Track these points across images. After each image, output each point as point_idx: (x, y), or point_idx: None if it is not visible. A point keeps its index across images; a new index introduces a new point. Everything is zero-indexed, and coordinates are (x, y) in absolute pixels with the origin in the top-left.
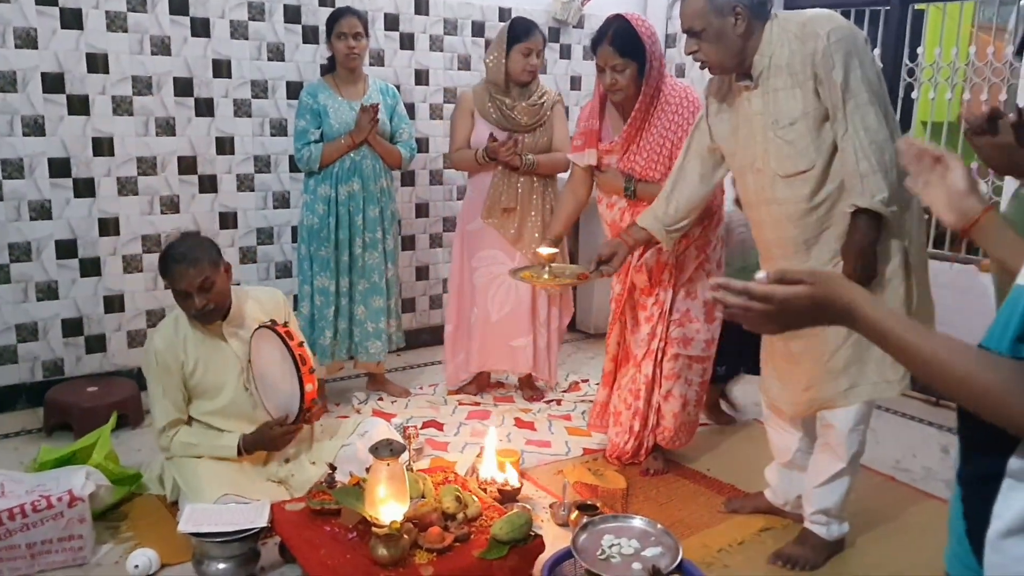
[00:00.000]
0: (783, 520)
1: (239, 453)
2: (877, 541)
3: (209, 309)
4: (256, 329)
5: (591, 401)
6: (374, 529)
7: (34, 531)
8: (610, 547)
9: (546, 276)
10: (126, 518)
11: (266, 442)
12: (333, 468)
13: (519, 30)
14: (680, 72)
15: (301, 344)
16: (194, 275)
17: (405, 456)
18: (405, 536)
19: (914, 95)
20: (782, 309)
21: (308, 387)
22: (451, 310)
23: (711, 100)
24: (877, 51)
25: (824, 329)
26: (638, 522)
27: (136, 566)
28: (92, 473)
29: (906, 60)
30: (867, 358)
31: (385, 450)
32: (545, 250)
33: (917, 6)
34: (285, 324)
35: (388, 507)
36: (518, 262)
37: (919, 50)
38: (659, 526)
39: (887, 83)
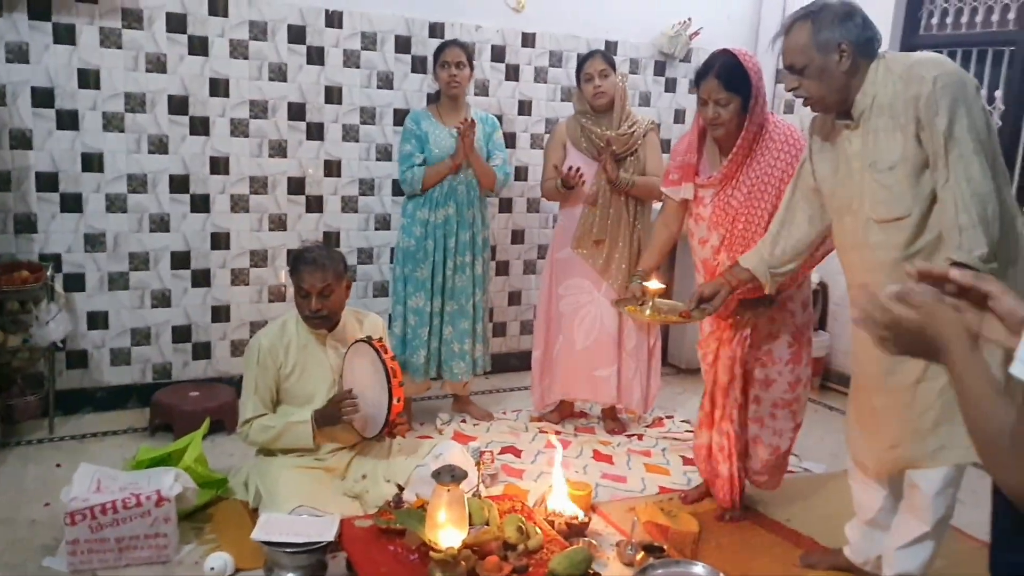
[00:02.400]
0: None
1: (312, 429)
2: None
3: (322, 315)
4: (352, 344)
5: (674, 438)
6: (432, 553)
7: (123, 526)
8: None
9: (648, 312)
10: (210, 520)
11: (330, 409)
12: (401, 488)
13: (582, 58)
14: (790, 108)
15: (393, 358)
16: (318, 279)
17: (473, 482)
18: (463, 563)
19: None
20: (894, 327)
21: (396, 400)
22: (539, 336)
23: (814, 138)
24: (999, 93)
25: (913, 387)
26: (700, 569)
27: (212, 568)
28: (181, 475)
29: None
30: (959, 419)
31: (447, 476)
32: (653, 285)
33: None
34: (380, 339)
35: (447, 532)
36: (604, 292)
37: None
38: (721, 574)
39: (1011, 125)
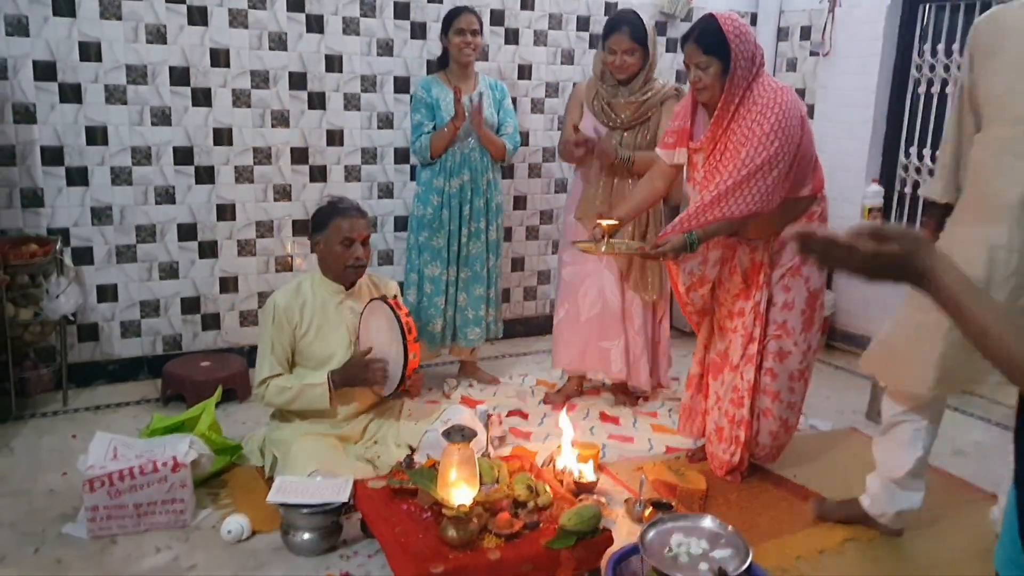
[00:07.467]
0: (869, 532)
1: (329, 390)
2: (930, 540)
3: (362, 264)
4: (367, 303)
5: (679, 399)
6: (444, 511)
7: (141, 492)
8: (678, 546)
9: (604, 248)
10: (225, 486)
11: (354, 371)
12: (413, 450)
13: (607, 27)
14: (792, 66)
15: (408, 315)
16: (363, 225)
17: (482, 442)
18: (475, 520)
19: None
20: (867, 261)
21: (412, 355)
22: (560, 297)
23: (980, 45)
24: None
25: None
26: (709, 523)
27: (229, 531)
28: (195, 442)
29: None
30: None
31: (457, 435)
32: (606, 221)
33: None
34: (395, 297)
35: (459, 490)
36: (605, 264)
37: None
38: (730, 528)
39: None
